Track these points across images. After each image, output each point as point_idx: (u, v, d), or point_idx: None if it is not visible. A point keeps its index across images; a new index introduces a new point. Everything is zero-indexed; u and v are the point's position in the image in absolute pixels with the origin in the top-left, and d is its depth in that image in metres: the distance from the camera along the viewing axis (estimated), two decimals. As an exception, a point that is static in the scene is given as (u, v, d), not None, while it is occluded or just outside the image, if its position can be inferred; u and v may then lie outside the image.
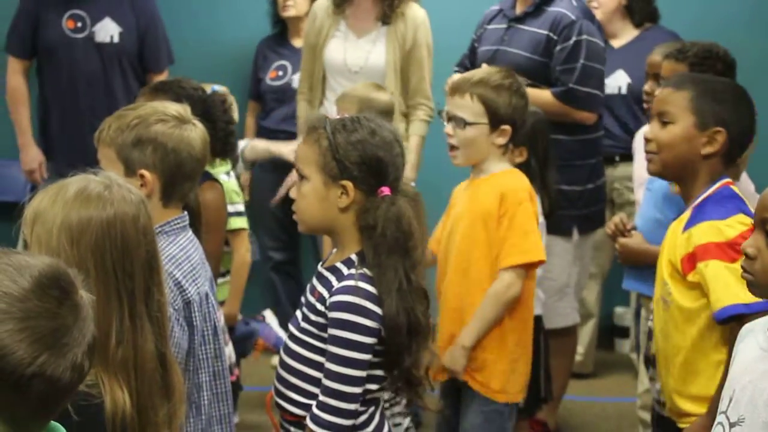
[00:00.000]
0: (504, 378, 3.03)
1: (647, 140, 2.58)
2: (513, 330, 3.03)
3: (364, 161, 2.29)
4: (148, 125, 2.36)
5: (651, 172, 2.64)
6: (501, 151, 3.07)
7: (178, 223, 2.39)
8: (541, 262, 3.05)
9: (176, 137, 2.37)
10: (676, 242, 2.47)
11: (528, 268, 3.02)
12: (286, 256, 4.98)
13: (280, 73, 4.97)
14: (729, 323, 2.31)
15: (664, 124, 2.53)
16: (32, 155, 4.65)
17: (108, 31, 4.56)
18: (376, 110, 3.86)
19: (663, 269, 2.50)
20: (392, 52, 4.26)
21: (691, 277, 2.40)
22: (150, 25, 4.64)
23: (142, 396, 1.78)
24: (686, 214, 2.51)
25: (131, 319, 1.79)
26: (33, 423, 1.38)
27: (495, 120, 3.01)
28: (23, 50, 4.64)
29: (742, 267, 1.98)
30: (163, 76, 4.64)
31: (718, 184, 2.50)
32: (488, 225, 3.00)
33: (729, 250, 2.34)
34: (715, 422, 1.90)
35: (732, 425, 1.84)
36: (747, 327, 1.98)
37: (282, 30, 5.07)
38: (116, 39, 4.57)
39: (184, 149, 2.37)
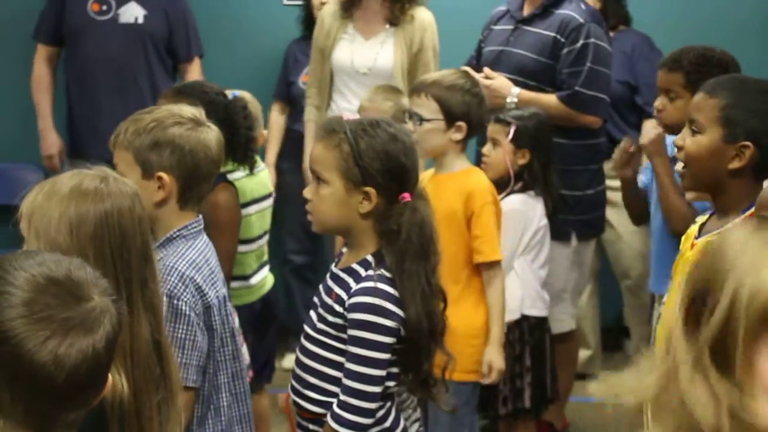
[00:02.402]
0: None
1: (678, 147, 2.46)
2: (462, 319, 3.07)
3: (389, 169, 2.29)
4: (164, 128, 2.37)
5: (684, 188, 2.57)
6: (459, 147, 3.23)
7: (195, 227, 2.41)
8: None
9: (193, 139, 2.38)
10: (691, 250, 2.36)
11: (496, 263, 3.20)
12: (306, 260, 5.01)
13: None
14: None
15: (694, 132, 2.39)
16: (51, 141, 4.70)
17: (133, 12, 4.57)
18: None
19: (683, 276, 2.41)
20: (400, 53, 4.30)
21: None
22: (177, 11, 4.64)
23: (137, 381, 1.80)
24: (704, 218, 2.40)
25: (128, 306, 1.81)
26: (24, 423, 1.33)
27: (449, 117, 3.19)
28: (49, 36, 4.67)
29: None
30: (193, 66, 4.68)
31: (753, 210, 2.27)
32: (452, 224, 3.11)
33: None
34: None
35: None
36: None
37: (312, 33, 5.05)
38: (141, 20, 4.58)
39: (201, 151, 2.39)
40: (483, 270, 3.19)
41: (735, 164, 2.33)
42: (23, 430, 1.32)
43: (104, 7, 4.57)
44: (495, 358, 3.16)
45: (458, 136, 3.20)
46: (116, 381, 1.75)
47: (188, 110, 2.47)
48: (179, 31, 4.65)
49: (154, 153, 2.35)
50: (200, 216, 2.44)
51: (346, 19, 4.39)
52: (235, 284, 3.42)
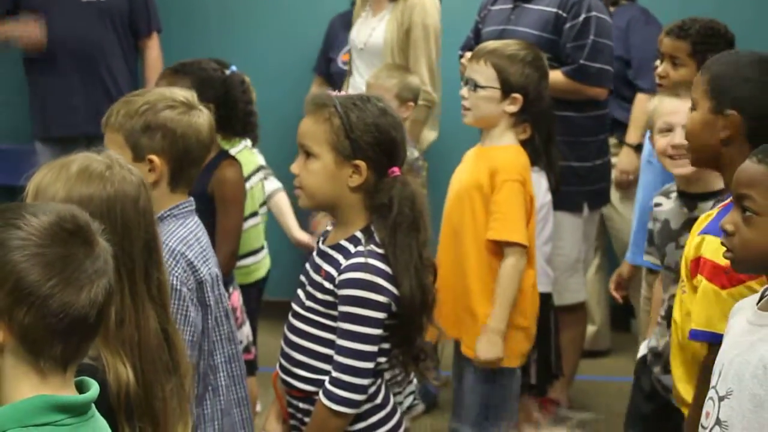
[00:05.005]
0: None
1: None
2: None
3: (379, 142, 2.30)
4: (156, 111, 2.38)
5: (692, 163, 2.51)
6: (511, 121, 3.12)
7: (186, 207, 2.42)
8: (522, 246, 3.03)
9: (185, 123, 2.39)
10: (693, 241, 2.31)
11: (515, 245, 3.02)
12: None
13: None
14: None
15: (692, 110, 2.37)
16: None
17: None
18: (412, 94, 3.94)
19: (683, 263, 2.37)
20: (390, 30, 4.35)
21: (695, 282, 2.26)
22: None
23: (147, 373, 1.82)
24: (713, 212, 2.32)
25: (132, 298, 1.83)
26: (58, 359, 1.44)
27: (506, 87, 3.09)
28: (5, 11, 4.59)
29: (723, 244, 1.98)
30: (152, 41, 4.70)
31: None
32: (474, 197, 3.06)
33: (725, 276, 2.14)
34: (707, 397, 1.92)
35: (721, 399, 1.86)
36: (738, 305, 1.99)
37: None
38: None
39: (192, 135, 2.40)
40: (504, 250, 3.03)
41: (723, 134, 2.29)
42: (57, 367, 1.44)
43: None
44: (482, 347, 3.02)
45: (513, 108, 3.10)
46: (121, 372, 1.77)
47: (180, 93, 2.48)
48: (140, 6, 4.66)
49: (146, 136, 2.36)
50: (191, 198, 2.45)
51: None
52: (248, 261, 3.50)
